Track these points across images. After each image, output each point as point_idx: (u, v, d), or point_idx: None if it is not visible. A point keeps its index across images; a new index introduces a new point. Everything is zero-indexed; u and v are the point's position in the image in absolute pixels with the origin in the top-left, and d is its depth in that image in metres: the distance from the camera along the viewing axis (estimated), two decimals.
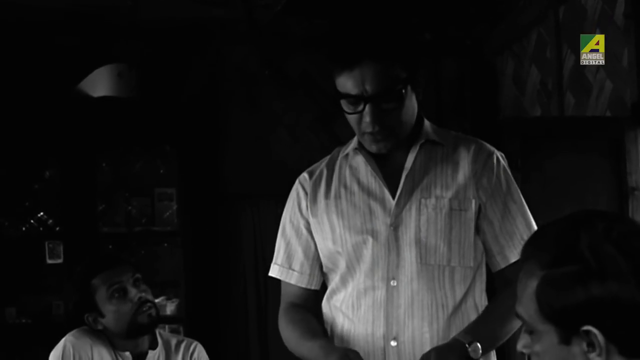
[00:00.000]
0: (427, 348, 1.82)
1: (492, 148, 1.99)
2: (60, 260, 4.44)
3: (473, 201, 1.91)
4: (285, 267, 2.04)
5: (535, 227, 1.91)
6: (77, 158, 4.45)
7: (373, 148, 1.91)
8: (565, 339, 1.22)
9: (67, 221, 4.48)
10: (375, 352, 1.88)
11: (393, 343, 1.87)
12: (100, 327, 2.36)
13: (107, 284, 2.34)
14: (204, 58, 4.74)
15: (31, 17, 4.33)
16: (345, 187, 1.98)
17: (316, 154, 2.27)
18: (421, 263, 1.88)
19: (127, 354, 2.37)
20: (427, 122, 2.00)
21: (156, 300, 4.27)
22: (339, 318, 1.96)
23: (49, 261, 4.45)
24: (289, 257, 2.04)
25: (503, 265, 1.93)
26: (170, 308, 4.55)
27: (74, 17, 4.35)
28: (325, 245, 1.98)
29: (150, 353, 2.40)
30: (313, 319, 1.98)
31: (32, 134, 4.38)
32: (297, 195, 2.04)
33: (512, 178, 1.98)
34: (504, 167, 1.96)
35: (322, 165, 2.06)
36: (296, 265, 2.03)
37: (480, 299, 1.96)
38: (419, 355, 1.80)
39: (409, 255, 1.88)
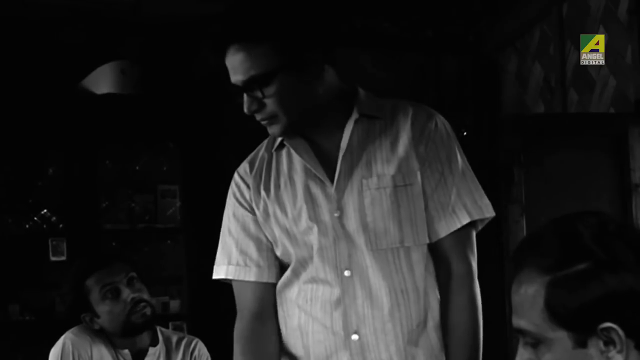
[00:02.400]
0: (392, 339, 1.73)
1: (432, 111, 1.82)
2: (63, 258, 4.44)
3: (418, 173, 1.75)
4: (240, 266, 1.87)
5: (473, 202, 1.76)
6: (80, 155, 4.45)
7: (271, 133, 1.82)
8: (581, 342, 1.17)
9: (70, 218, 4.48)
10: (337, 348, 1.74)
11: (355, 337, 1.73)
12: (97, 327, 2.36)
13: (100, 285, 2.34)
14: (206, 54, 4.74)
15: (34, 14, 4.33)
16: (284, 174, 1.84)
17: None
18: (372, 249, 1.73)
19: (126, 351, 2.37)
20: (362, 95, 1.83)
21: (160, 298, 4.34)
22: (294, 312, 1.80)
23: (53, 258, 4.45)
24: (242, 253, 1.87)
25: (434, 239, 1.76)
26: (173, 305, 4.55)
27: (77, 14, 4.35)
28: (273, 238, 1.83)
29: (151, 350, 2.40)
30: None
31: (35, 131, 4.38)
32: (238, 189, 1.89)
33: (455, 145, 1.80)
34: (443, 132, 1.79)
35: (261, 150, 1.92)
36: (252, 261, 1.85)
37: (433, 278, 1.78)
38: (383, 348, 1.72)
39: (358, 242, 1.74)
